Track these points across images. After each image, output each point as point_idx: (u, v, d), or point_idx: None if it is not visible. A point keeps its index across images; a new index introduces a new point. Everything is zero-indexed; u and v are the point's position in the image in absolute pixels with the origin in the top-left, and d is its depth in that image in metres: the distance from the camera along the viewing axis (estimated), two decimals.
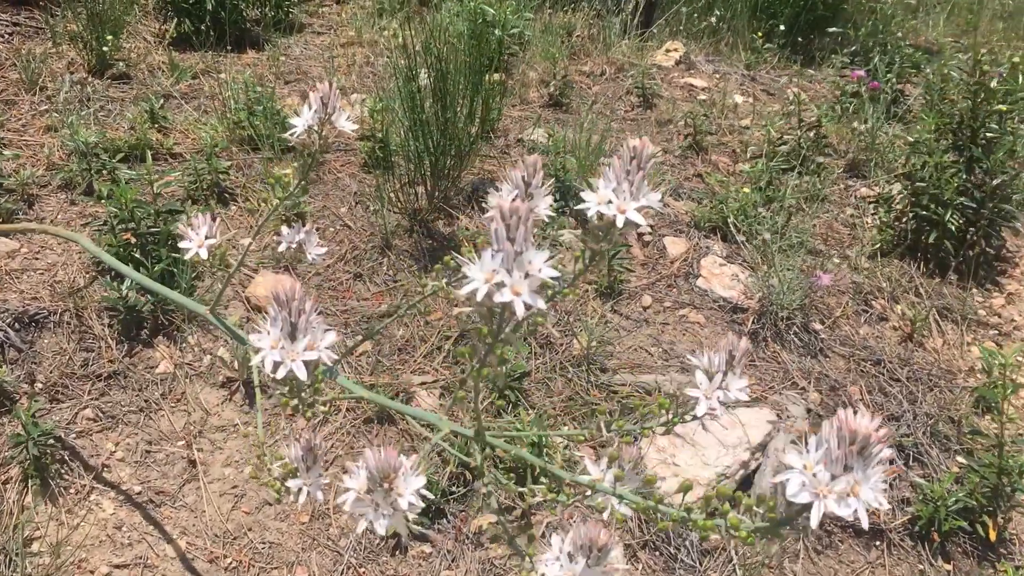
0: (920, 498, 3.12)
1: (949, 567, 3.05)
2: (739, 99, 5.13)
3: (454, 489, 2.96)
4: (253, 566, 2.75)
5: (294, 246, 1.95)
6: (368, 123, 4.28)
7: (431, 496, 1.32)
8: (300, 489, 1.59)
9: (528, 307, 1.41)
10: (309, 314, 1.44)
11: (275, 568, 2.75)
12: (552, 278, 1.40)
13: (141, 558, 2.71)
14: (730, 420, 3.24)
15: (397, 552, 2.83)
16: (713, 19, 5.99)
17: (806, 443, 1.11)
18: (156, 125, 4.29)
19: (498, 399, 3.17)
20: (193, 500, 2.89)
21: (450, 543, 2.87)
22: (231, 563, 2.75)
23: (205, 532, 2.81)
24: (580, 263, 1.63)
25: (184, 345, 3.26)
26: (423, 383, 3.26)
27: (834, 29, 5.60)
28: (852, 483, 1.05)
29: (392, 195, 3.90)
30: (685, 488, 1.40)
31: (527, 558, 1.53)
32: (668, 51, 5.72)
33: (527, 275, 1.36)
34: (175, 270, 3.28)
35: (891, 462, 3.49)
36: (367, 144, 4.22)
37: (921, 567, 3.03)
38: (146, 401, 3.10)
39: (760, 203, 3.93)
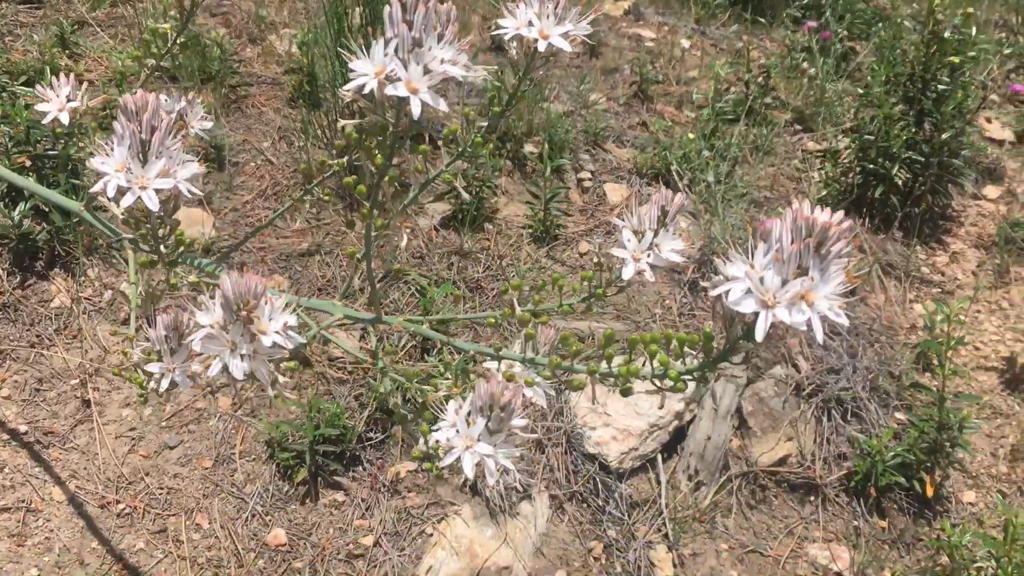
0: (857, 453, 3.01)
1: (884, 523, 2.96)
2: (686, 43, 4.97)
3: (371, 435, 2.78)
4: (148, 512, 2.54)
5: (173, 116, 1.72)
6: (297, 56, 4.04)
7: (301, 340, 1.11)
8: (163, 376, 1.31)
9: (426, 107, 1.19)
10: (165, 133, 1.19)
11: (172, 515, 2.55)
12: (463, 78, 1.20)
13: (24, 501, 2.49)
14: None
15: (307, 500, 2.65)
16: None
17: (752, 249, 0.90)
18: (67, 51, 3.99)
19: (420, 339, 2.99)
20: (86, 442, 2.66)
21: (365, 492, 2.69)
22: (124, 509, 2.54)
23: (97, 476, 2.59)
24: (495, 105, 1.43)
25: (83, 279, 3.01)
26: (342, 324, 3.05)
27: None
28: (806, 287, 0.85)
29: (318, 131, 3.67)
30: (608, 336, 1.20)
31: (421, 435, 1.33)
32: (617, 1, 5.54)
33: (427, 70, 1.14)
34: (73, 196, 3.02)
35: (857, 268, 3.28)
36: (295, 78, 3.98)
37: (856, 523, 2.93)
38: (38, 336, 2.86)
39: (706, 150, 3.78)
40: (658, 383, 1.08)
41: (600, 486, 2.81)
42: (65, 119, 1.53)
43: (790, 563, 2.83)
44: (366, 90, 1.09)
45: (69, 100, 1.55)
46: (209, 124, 1.73)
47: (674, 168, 3.80)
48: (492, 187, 3.57)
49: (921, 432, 2.95)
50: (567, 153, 3.84)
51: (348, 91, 1.10)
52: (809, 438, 3.08)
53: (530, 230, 3.53)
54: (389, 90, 1.09)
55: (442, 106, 1.11)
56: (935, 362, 3.01)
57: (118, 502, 2.55)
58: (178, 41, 1.63)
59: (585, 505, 2.79)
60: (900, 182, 3.83)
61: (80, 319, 2.92)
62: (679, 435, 2.99)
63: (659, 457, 2.93)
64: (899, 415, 3.19)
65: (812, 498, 2.98)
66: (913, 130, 3.85)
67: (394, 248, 3.20)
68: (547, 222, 3.49)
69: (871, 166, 3.87)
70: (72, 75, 1.56)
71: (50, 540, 2.43)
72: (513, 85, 1.40)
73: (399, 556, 2.54)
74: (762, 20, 5.42)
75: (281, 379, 1.20)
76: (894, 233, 3.89)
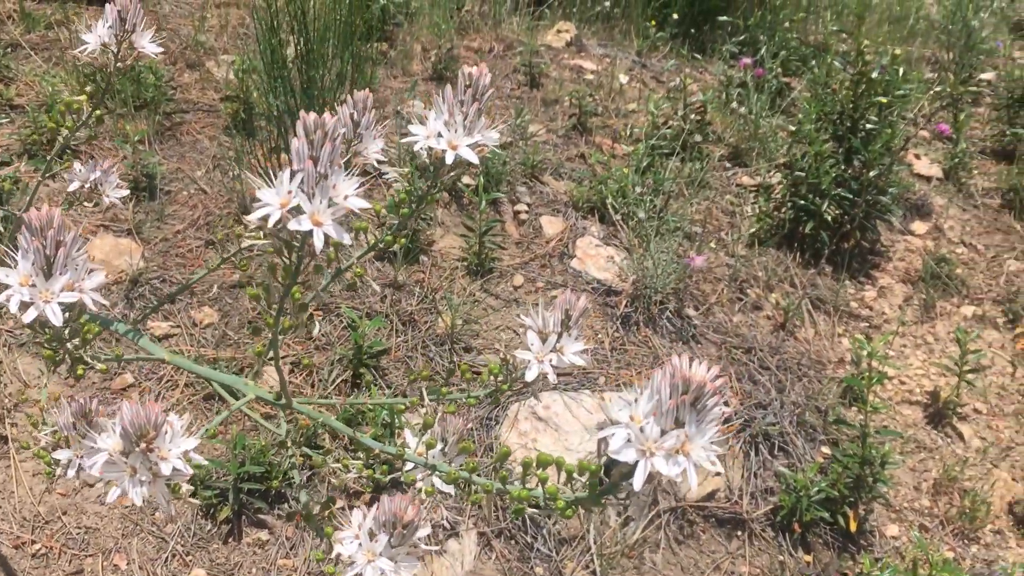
0: (784, 488, 3.05)
1: (809, 558, 3.00)
2: (624, 79, 5.03)
3: (297, 474, 2.75)
4: (65, 552, 2.48)
5: (87, 186, 1.71)
6: (235, 84, 4.01)
7: (203, 462, 1.12)
8: (70, 461, 1.37)
9: (329, 241, 1.22)
10: (71, 247, 1.21)
11: (89, 555, 2.49)
12: (363, 210, 1.21)
13: None
14: (595, 403, 3.11)
15: (231, 539, 2.61)
16: (607, 3, 5.89)
17: (639, 395, 0.96)
18: None
19: (350, 375, 2.97)
20: (1, 480, 2.60)
21: (290, 530, 2.66)
22: (40, 549, 2.48)
23: (12, 515, 2.53)
24: (405, 207, 1.45)
25: (4, 311, 2.95)
26: (271, 359, 3.02)
27: (725, 18, 5.57)
28: (683, 439, 0.91)
29: (254, 160, 3.65)
30: (503, 454, 1.24)
31: (325, 538, 1.35)
32: (559, 31, 5.59)
33: (331, 203, 1.16)
34: (2, 228, 2.96)
35: (727, 420, 3.42)
36: (231, 106, 3.96)
37: (781, 558, 2.97)
38: None
39: (640, 185, 3.82)
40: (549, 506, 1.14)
41: (528, 523, 2.81)
42: None
43: None
44: (270, 222, 1.10)
45: None
46: (124, 192, 1.73)
47: (609, 202, 3.84)
48: (427, 219, 3.57)
49: (845, 467, 3.00)
50: (504, 185, 3.86)
51: (252, 221, 1.11)
52: (737, 473, 3.12)
53: (465, 263, 3.53)
54: (293, 225, 1.10)
55: (345, 239, 1.12)
56: (859, 397, 3.07)
57: (34, 542, 2.49)
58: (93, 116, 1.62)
59: (513, 542, 2.79)
60: (830, 218, 3.91)
61: (0, 352, 2.85)
62: (609, 470, 3.00)
63: None
64: (825, 449, 3.24)
65: (739, 533, 3.02)
66: (843, 167, 3.94)
67: (307, 334, 3.18)
68: (482, 255, 3.50)
69: (802, 202, 3.95)
70: None
71: None
72: (422, 189, 1.42)
73: None
74: (699, 57, 5.51)
75: (185, 487, 1.24)
76: (824, 268, 3.97)
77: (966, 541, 3.16)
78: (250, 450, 2.64)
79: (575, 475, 1.14)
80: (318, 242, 1.11)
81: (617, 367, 3.27)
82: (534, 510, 1.22)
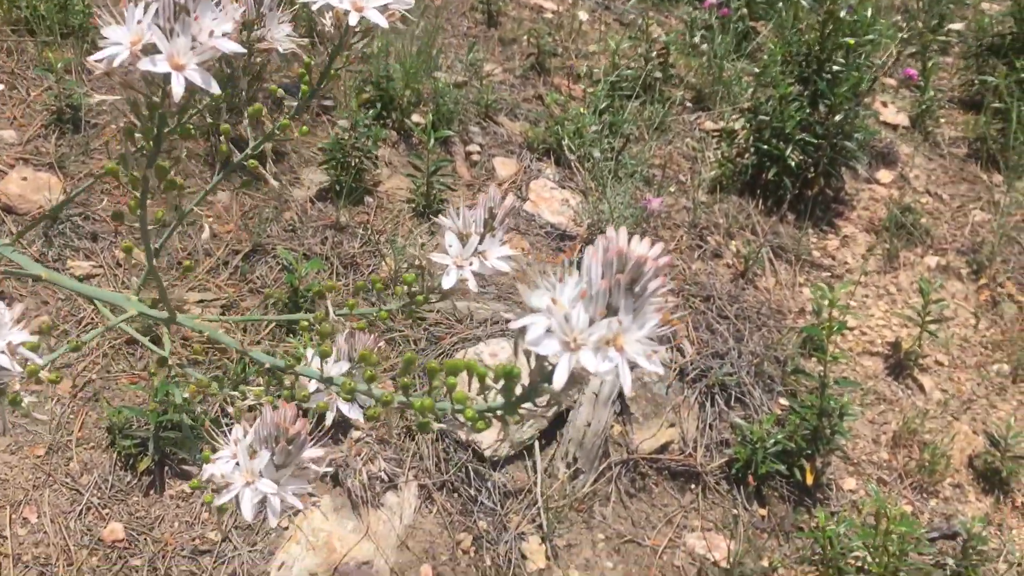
0: (739, 440, 2.94)
1: (764, 512, 2.90)
2: (585, 18, 4.84)
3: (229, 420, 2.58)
4: None
5: None
6: None
7: (39, 360, 0.94)
8: None
9: (193, 88, 1.00)
10: None
11: None
12: (236, 54, 1.02)
13: None
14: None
15: (152, 491, 2.44)
16: None
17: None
18: None
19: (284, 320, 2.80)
20: None
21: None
22: None
23: None
24: (305, 83, 1.26)
25: None
26: (201, 300, 2.84)
27: None
28: (616, 329, 0.73)
29: None
30: (408, 361, 1.05)
31: (202, 461, 1.17)
32: None
33: (195, 41, 0.97)
34: None
35: (675, 309, 3.24)
36: None
37: (735, 512, 2.86)
38: None
39: (597, 124, 3.65)
40: (459, 419, 0.93)
41: (472, 475, 2.68)
42: None
43: (668, 553, 2.75)
44: (117, 62, 0.91)
45: None
46: None
47: (565, 143, 3.67)
48: (373, 158, 3.38)
49: (803, 419, 2.89)
50: (456, 124, 3.67)
51: (98, 63, 0.92)
52: (692, 424, 3.00)
53: (412, 205, 3.36)
54: (144, 64, 0.90)
55: (213, 88, 0.93)
56: (819, 347, 2.96)
57: None
58: None
59: (456, 495, 2.65)
60: (794, 163, 3.77)
61: None
62: (558, 421, 2.87)
63: (536, 444, 2.81)
64: (783, 400, 3.13)
65: (693, 486, 2.90)
66: (808, 111, 3.79)
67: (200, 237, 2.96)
68: (430, 196, 3.33)
69: (765, 147, 3.81)
70: None
71: None
72: (324, 62, 1.24)
73: (250, 552, 2.36)
74: (668, 4, 5.32)
75: (27, 399, 1.04)
76: (786, 215, 3.84)
77: (925, 495, 3.08)
78: (174, 398, 2.47)
79: (490, 382, 0.95)
80: (177, 88, 0.91)
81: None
82: (441, 425, 1.02)
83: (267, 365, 1.20)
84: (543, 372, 0.82)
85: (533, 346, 0.73)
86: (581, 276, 0.75)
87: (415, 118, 3.65)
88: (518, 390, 0.86)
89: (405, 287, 1.26)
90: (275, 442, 1.00)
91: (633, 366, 0.73)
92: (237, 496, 0.99)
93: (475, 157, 3.67)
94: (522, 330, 0.75)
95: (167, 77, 0.91)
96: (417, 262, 1.25)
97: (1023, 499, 3.14)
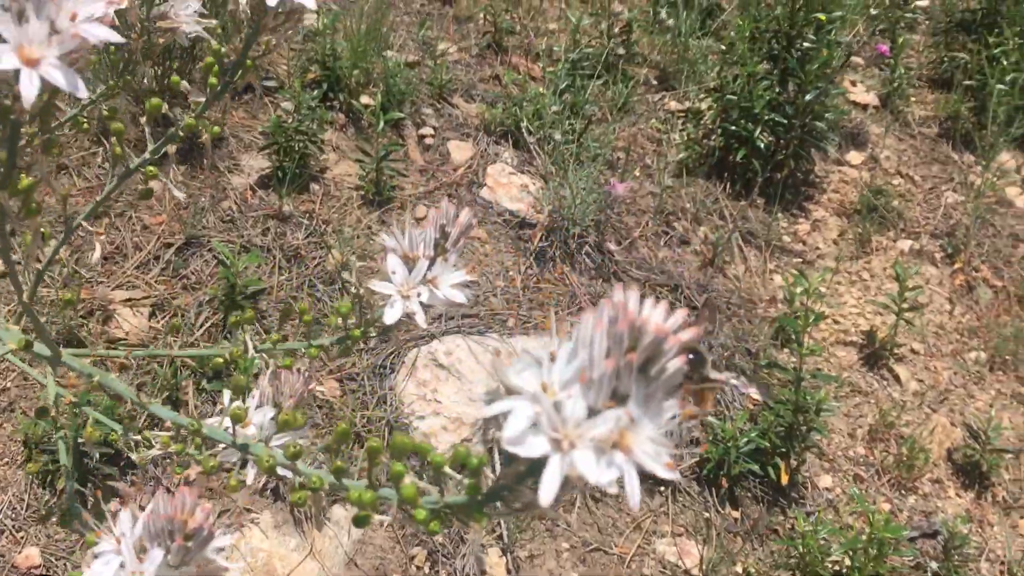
0: (711, 439, 2.78)
1: (737, 514, 2.74)
2: None
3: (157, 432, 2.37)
4: None
5: None
6: None
7: None
8: None
9: (47, 86, 0.78)
10: None
11: None
12: (113, 45, 0.81)
13: None
14: (507, 349, 2.79)
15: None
16: None
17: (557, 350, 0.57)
18: None
19: (220, 318, 2.59)
20: None
21: (146, 500, 2.28)
22: None
23: None
24: (213, 76, 1.06)
25: None
26: (129, 299, 2.62)
27: None
28: (624, 422, 0.54)
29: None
30: (342, 433, 0.85)
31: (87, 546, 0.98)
32: None
33: (54, 28, 0.75)
34: None
35: (697, 399, 3.10)
36: None
37: (707, 515, 2.71)
38: None
39: (557, 105, 3.46)
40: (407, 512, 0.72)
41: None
42: None
43: (636, 561, 2.58)
44: None
45: None
46: None
47: (524, 125, 3.47)
48: (319, 143, 3.16)
49: (777, 415, 2.74)
50: (408, 106, 3.46)
51: None
52: None
53: (361, 192, 3.15)
54: None
55: (80, 90, 0.71)
56: (793, 338, 2.80)
57: None
58: None
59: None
60: (763, 145, 3.61)
61: None
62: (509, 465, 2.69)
63: (495, 446, 2.63)
64: (755, 395, 2.98)
65: (662, 489, 2.74)
66: (777, 90, 3.63)
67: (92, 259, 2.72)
68: (380, 183, 3.12)
69: (733, 128, 3.64)
70: None
71: None
72: (238, 48, 1.04)
73: None
74: None
75: None
76: (755, 199, 3.68)
77: (903, 492, 2.94)
78: (97, 407, 2.25)
79: (447, 470, 0.74)
80: (28, 90, 0.69)
81: (529, 308, 2.94)
82: (383, 517, 0.82)
83: (168, 423, 1.00)
84: (520, 471, 0.61)
85: (514, 445, 0.54)
86: (576, 349, 0.55)
87: (364, 99, 3.43)
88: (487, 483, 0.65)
89: (339, 319, 1.07)
90: (170, 537, 0.80)
91: (643, 471, 0.54)
92: None
93: (428, 141, 3.46)
94: (496, 419, 0.55)
95: (16, 75, 0.69)
96: (353, 289, 1.05)
97: (1004, 494, 3.01)
